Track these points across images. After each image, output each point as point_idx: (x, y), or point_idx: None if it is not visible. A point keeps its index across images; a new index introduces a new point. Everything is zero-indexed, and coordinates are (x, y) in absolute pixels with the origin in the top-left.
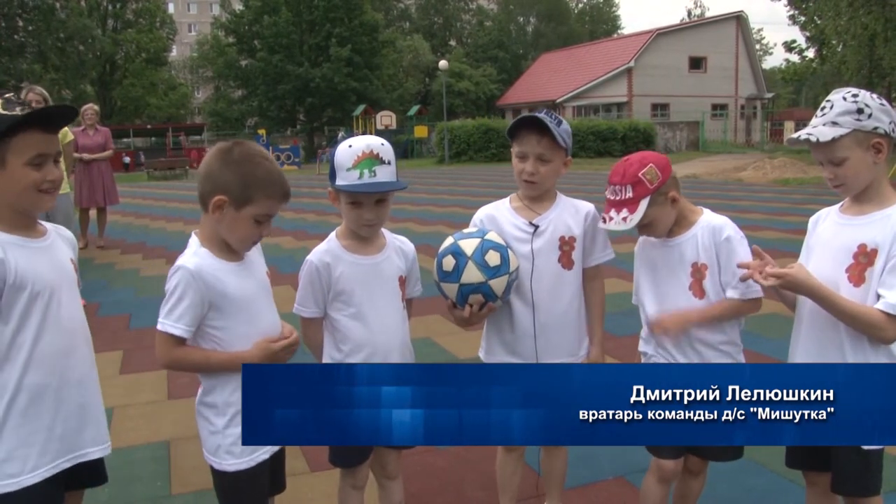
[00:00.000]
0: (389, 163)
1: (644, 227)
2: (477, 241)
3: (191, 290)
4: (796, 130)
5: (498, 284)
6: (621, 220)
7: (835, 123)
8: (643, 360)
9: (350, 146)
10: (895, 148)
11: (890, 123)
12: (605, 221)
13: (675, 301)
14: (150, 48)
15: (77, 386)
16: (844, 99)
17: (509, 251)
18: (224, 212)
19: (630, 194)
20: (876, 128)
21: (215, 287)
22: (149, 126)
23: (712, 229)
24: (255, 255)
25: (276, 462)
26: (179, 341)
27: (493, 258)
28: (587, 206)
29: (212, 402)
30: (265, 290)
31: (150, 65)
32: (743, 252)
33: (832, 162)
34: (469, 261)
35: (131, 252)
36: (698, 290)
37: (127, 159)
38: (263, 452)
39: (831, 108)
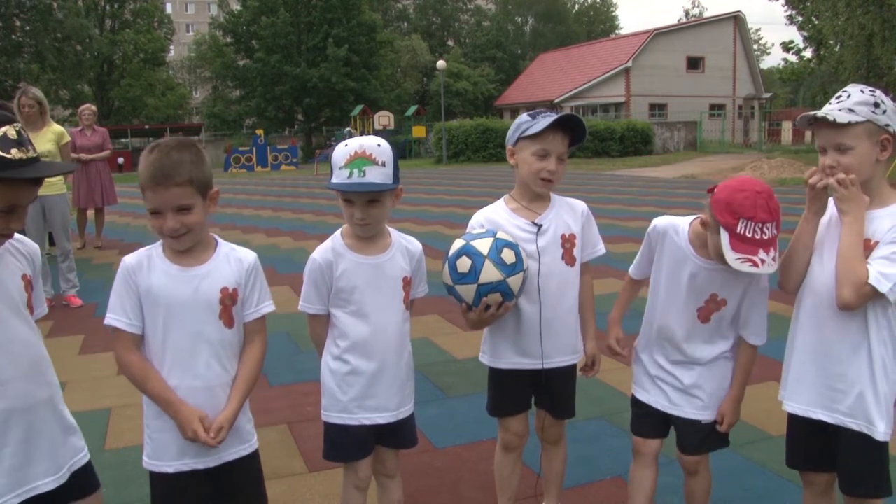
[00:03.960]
0: (384, 164)
1: (705, 248)
2: (490, 239)
3: (121, 282)
4: (794, 130)
5: (514, 282)
6: (772, 262)
7: (851, 110)
8: (636, 367)
9: (346, 145)
10: None
11: None
12: (756, 265)
13: (672, 316)
14: (148, 48)
15: (22, 416)
16: (862, 91)
17: (521, 248)
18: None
19: (776, 231)
20: (888, 125)
21: (140, 283)
22: (146, 126)
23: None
24: (225, 268)
25: (231, 474)
26: (127, 338)
27: (508, 256)
28: (581, 204)
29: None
30: (205, 303)
31: (147, 65)
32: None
33: (838, 148)
34: (486, 260)
35: (129, 252)
36: (705, 317)
37: (121, 160)
38: (167, 465)
39: (848, 97)
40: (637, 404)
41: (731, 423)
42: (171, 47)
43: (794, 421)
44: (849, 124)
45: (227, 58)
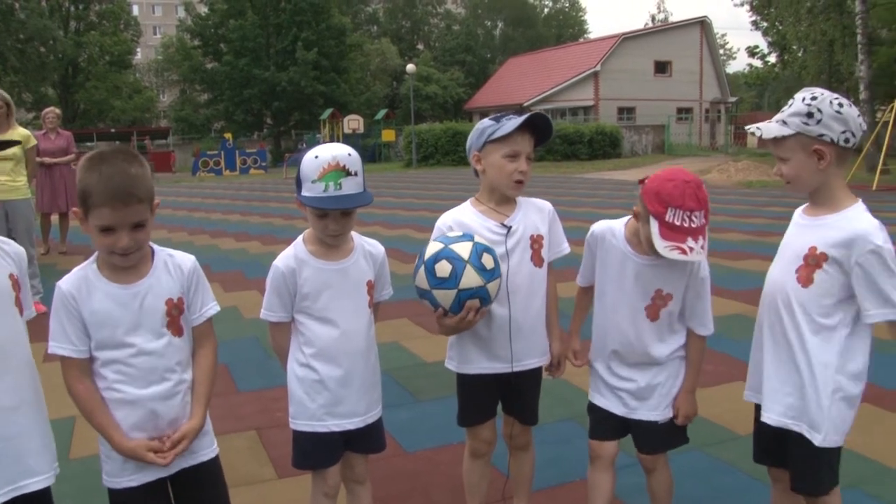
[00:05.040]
0: (356, 174)
1: (642, 244)
2: (469, 244)
3: (62, 310)
4: None
5: (493, 287)
6: (701, 249)
7: (784, 123)
8: (592, 375)
9: (316, 157)
10: (855, 153)
11: (843, 133)
12: (685, 252)
13: (622, 318)
14: (114, 51)
15: (10, 413)
16: (803, 100)
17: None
18: (85, 225)
19: (704, 220)
20: (821, 135)
21: (82, 309)
22: (113, 130)
23: (686, 263)
24: (166, 279)
25: (192, 479)
26: (75, 364)
27: (488, 261)
28: (547, 204)
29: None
30: (152, 318)
31: (113, 67)
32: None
33: (779, 158)
34: (467, 265)
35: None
36: (654, 315)
37: None
38: (129, 479)
39: (790, 105)
40: (594, 409)
41: (687, 416)
42: (138, 50)
43: (759, 417)
44: (776, 138)
45: (195, 61)
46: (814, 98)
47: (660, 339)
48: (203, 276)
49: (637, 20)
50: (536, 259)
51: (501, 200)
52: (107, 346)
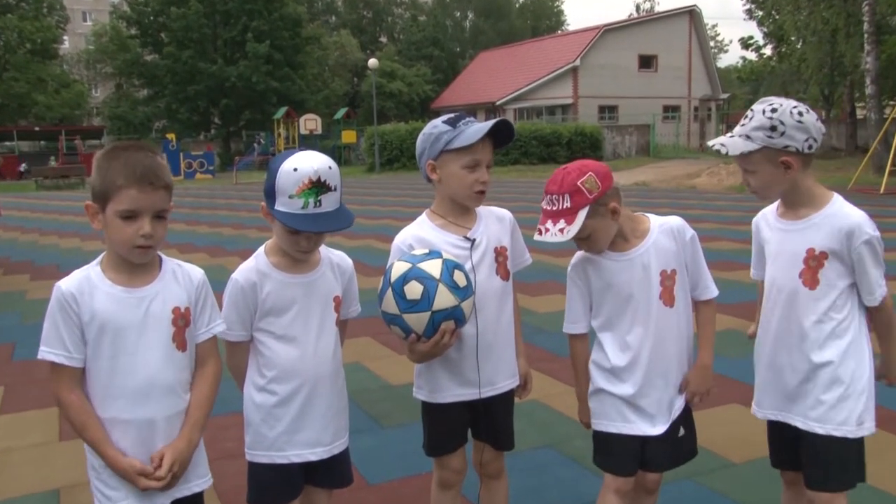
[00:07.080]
0: (335, 188)
1: (583, 241)
2: (439, 261)
3: (59, 311)
4: None
5: (467, 306)
6: (558, 232)
7: (748, 137)
8: (605, 402)
9: (295, 169)
10: (861, 153)
11: (806, 140)
12: (540, 233)
13: (647, 315)
14: (37, 38)
15: None
16: (763, 112)
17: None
18: (98, 219)
19: (568, 204)
20: (787, 146)
21: (82, 312)
22: (37, 128)
23: (671, 231)
24: (174, 286)
25: None
26: (67, 374)
27: (460, 278)
28: (507, 212)
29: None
30: (157, 325)
31: (36, 57)
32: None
33: (745, 170)
34: (439, 284)
35: (16, 272)
36: (668, 298)
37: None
38: None
39: (750, 119)
40: (609, 440)
41: (697, 392)
42: (65, 38)
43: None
44: (742, 154)
45: (132, 52)
46: (774, 110)
47: (682, 318)
48: (211, 291)
49: (620, 11)
50: (503, 272)
51: (460, 211)
52: (104, 355)
